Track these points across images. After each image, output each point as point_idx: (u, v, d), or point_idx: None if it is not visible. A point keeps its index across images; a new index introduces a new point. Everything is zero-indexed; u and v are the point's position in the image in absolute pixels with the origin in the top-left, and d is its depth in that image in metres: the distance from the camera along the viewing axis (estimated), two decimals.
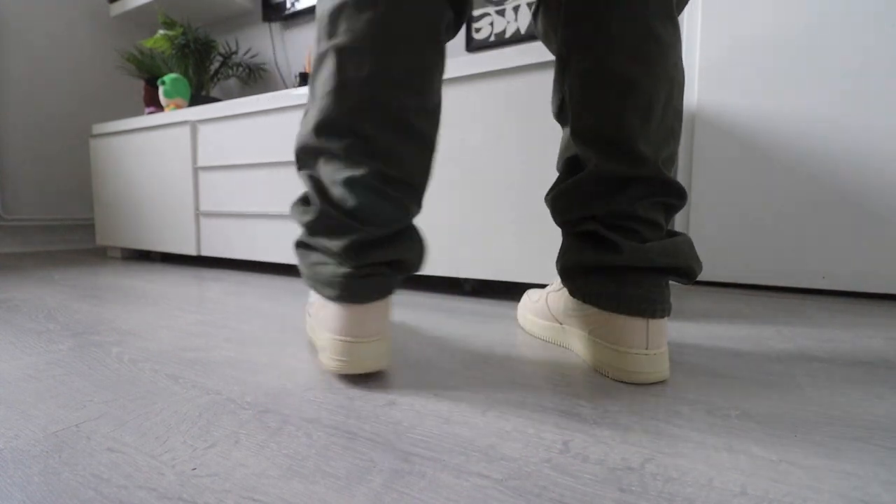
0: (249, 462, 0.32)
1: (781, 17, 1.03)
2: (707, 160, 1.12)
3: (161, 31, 1.61)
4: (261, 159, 1.18)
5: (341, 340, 0.46)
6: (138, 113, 2.16)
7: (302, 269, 0.50)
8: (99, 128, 1.60)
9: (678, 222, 1.17)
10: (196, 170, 1.33)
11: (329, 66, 0.45)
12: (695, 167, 1.14)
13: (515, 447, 0.34)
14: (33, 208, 1.85)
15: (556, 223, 0.57)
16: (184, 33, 1.62)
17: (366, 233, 0.45)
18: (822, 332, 0.69)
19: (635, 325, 0.47)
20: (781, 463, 0.32)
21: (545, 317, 0.63)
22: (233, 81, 2.01)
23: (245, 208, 1.23)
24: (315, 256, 0.48)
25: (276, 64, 1.85)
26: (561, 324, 0.60)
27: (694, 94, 1.13)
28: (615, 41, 0.47)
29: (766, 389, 0.46)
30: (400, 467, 0.31)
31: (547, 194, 0.57)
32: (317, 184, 0.47)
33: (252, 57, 1.87)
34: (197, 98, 1.56)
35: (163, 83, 1.45)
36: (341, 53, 0.44)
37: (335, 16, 0.44)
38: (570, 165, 0.54)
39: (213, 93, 2.04)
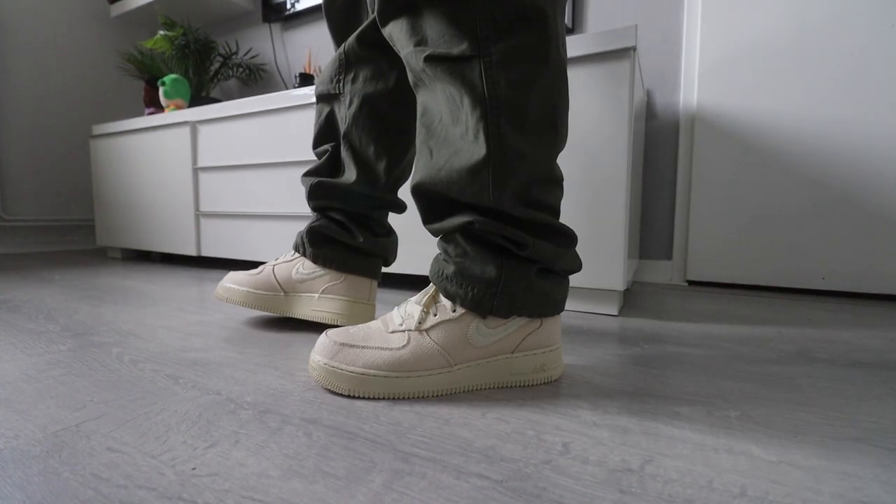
0: (249, 462, 0.32)
1: (781, 18, 1.03)
2: (707, 160, 1.12)
3: (161, 32, 1.61)
4: (261, 159, 1.18)
5: (559, 347, 0.50)
6: (138, 113, 2.16)
7: (547, 300, 0.47)
8: (99, 128, 1.60)
9: (679, 221, 1.17)
10: (196, 170, 1.33)
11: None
12: (695, 167, 1.14)
13: (515, 449, 0.34)
14: (33, 209, 1.85)
15: (309, 203, 0.70)
16: (184, 34, 1.62)
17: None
18: (822, 332, 0.69)
19: (365, 282, 0.68)
20: (781, 464, 0.32)
21: (268, 287, 0.69)
22: (233, 82, 2.00)
23: (245, 208, 1.23)
24: (560, 280, 0.49)
25: (277, 64, 1.85)
26: (286, 292, 0.69)
27: (694, 94, 1.13)
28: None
29: (766, 390, 0.46)
30: (400, 468, 0.31)
31: (308, 175, 0.69)
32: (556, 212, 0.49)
33: (252, 57, 1.86)
34: (197, 99, 1.56)
35: (163, 84, 1.45)
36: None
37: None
38: (333, 159, 0.68)
39: (214, 93, 2.04)
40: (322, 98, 0.69)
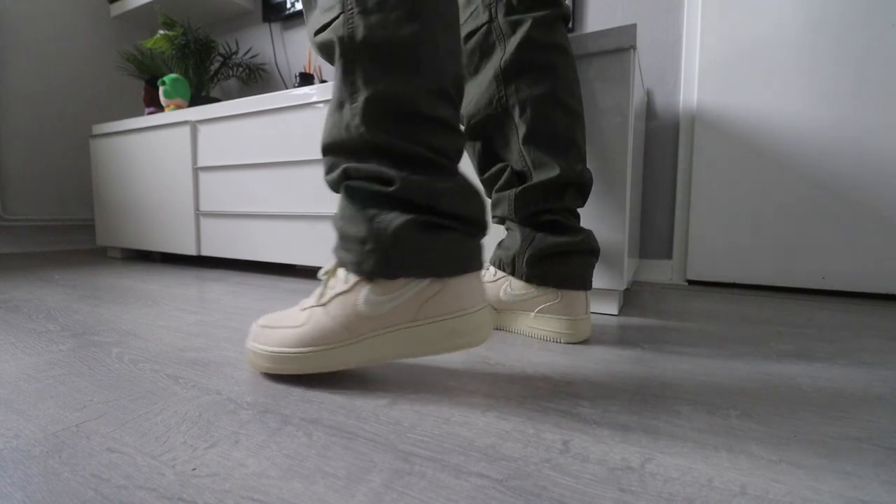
0: (249, 462, 0.32)
1: (781, 17, 1.03)
2: (707, 160, 1.12)
3: (161, 32, 1.61)
4: (261, 159, 1.18)
5: (478, 311, 0.45)
6: (138, 113, 2.16)
7: (426, 257, 0.43)
8: (99, 128, 1.60)
9: (679, 221, 1.17)
10: (196, 170, 1.33)
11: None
12: (695, 167, 1.14)
13: (515, 447, 0.34)
14: (33, 208, 1.85)
15: (516, 216, 0.65)
16: (184, 33, 1.62)
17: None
18: (822, 332, 0.69)
19: (580, 296, 0.63)
20: (781, 463, 0.32)
21: None
22: (233, 82, 2.01)
23: (245, 208, 1.23)
24: (455, 235, 0.44)
25: (277, 64, 1.85)
26: (497, 310, 0.69)
27: (694, 94, 1.13)
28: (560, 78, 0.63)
29: (766, 389, 0.46)
30: (400, 467, 0.31)
31: (501, 190, 0.66)
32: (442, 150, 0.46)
33: (252, 57, 1.86)
34: (197, 98, 1.56)
35: (163, 83, 1.45)
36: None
37: None
38: (515, 171, 0.66)
39: (214, 93, 2.04)
40: (475, 129, 0.68)
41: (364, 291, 0.44)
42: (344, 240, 0.45)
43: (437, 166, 0.44)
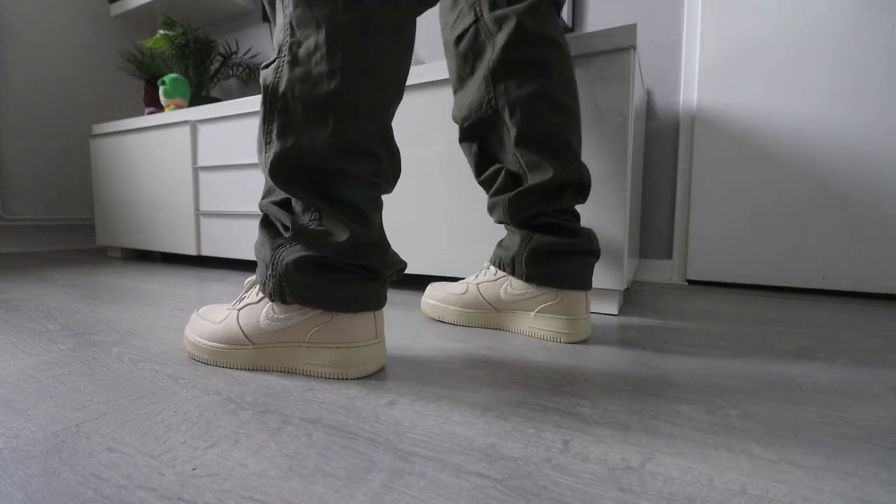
0: (249, 462, 0.32)
1: (781, 17, 1.03)
2: (707, 160, 1.12)
3: (161, 32, 1.61)
4: None
5: (364, 347, 0.49)
6: (138, 113, 2.16)
7: (315, 292, 0.47)
8: (99, 128, 1.60)
9: (679, 220, 1.17)
10: (196, 170, 1.33)
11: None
12: (695, 167, 1.14)
13: (515, 447, 0.34)
14: (33, 208, 1.85)
15: (513, 221, 0.65)
16: (184, 33, 1.62)
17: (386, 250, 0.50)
18: (822, 332, 0.69)
19: (580, 296, 0.63)
20: (781, 462, 0.32)
21: (477, 306, 0.70)
22: (233, 81, 2.00)
23: (245, 208, 1.23)
24: (341, 275, 0.47)
25: None
26: (497, 310, 0.68)
27: (694, 94, 1.13)
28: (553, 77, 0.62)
29: (766, 389, 0.46)
30: (400, 467, 0.31)
31: (496, 194, 0.66)
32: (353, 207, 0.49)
33: (252, 57, 1.86)
34: (197, 98, 1.56)
35: (163, 83, 1.45)
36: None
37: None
38: (510, 174, 0.65)
39: (214, 93, 2.04)
40: (470, 132, 0.67)
41: (266, 308, 0.49)
42: (258, 260, 0.50)
43: (339, 220, 0.46)
